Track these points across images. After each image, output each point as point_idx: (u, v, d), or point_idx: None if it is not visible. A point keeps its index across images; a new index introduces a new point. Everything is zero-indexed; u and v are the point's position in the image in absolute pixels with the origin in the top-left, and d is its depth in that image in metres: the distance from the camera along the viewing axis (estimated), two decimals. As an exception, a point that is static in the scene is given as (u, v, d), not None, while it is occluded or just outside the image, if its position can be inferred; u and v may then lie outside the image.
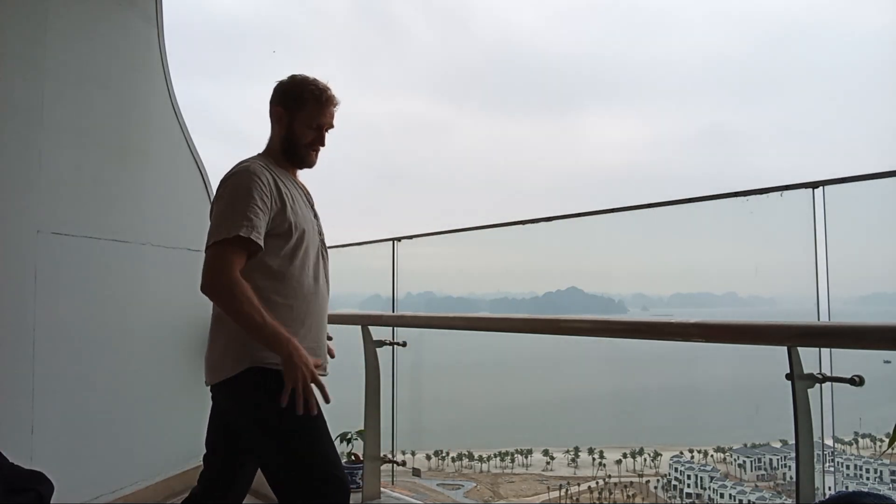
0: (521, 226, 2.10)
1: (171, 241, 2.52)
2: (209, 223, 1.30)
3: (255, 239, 1.22)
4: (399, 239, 2.44)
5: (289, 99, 1.37)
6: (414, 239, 2.45)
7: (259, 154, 1.40)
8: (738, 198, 1.54)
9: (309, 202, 1.44)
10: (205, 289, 1.21)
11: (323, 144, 1.41)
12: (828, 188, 1.36)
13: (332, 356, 1.51)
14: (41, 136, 1.99)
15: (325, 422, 1.31)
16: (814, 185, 1.37)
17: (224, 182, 1.30)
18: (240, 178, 1.27)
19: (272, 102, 1.40)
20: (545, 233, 2.03)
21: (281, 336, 1.19)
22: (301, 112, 1.36)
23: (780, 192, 1.45)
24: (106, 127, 2.26)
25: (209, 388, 1.38)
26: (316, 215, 1.45)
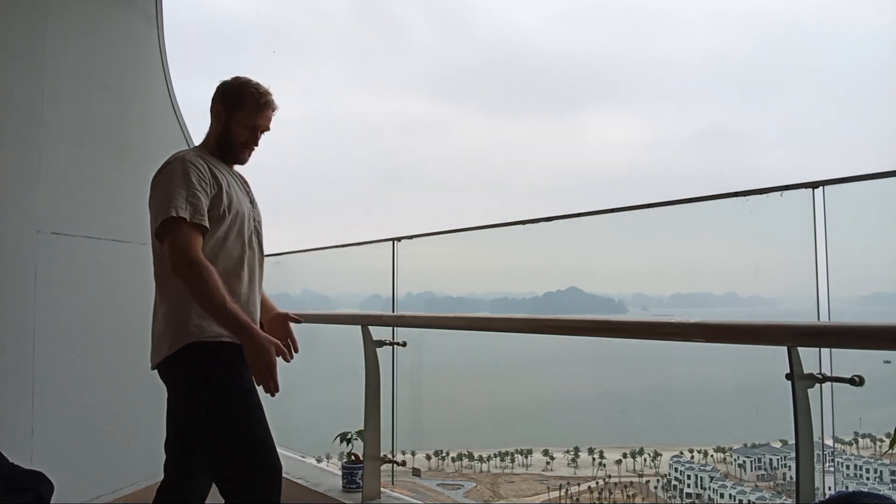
0: (521, 226, 2.10)
1: (171, 241, 2.52)
2: (150, 211, 1.32)
3: (199, 221, 1.25)
4: (399, 239, 2.44)
5: (229, 98, 1.41)
6: (414, 239, 2.45)
7: (194, 147, 1.47)
8: (738, 198, 1.54)
9: (245, 190, 1.48)
10: (174, 269, 1.23)
11: (256, 145, 1.46)
12: (828, 188, 1.36)
13: (296, 350, 1.47)
14: (41, 136, 1.99)
15: (261, 407, 1.31)
16: (814, 185, 1.37)
17: (159, 172, 1.35)
18: (175, 167, 1.31)
19: (213, 100, 1.44)
20: (545, 233, 2.03)
21: (240, 319, 1.22)
22: (239, 112, 1.40)
23: (780, 192, 1.45)
24: (106, 127, 2.27)
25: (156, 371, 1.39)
26: (253, 202, 1.48)
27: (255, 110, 1.40)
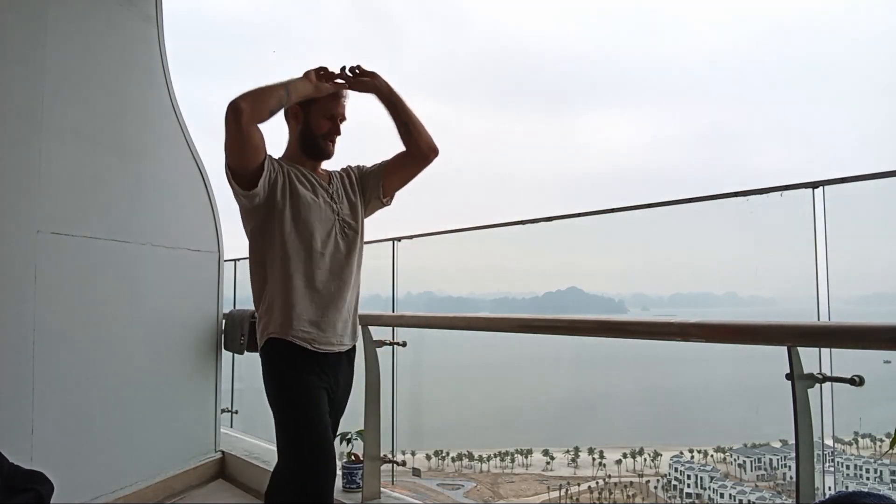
0: (521, 226, 2.10)
1: (171, 241, 2.52)
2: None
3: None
4: (399, 239, 2.44)
5: None
6: (414, 239, 2.45)
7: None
8: (738, 198, 1.54)
9: (327, 187, 1.50)
10: (230, 120, 1.27)
11: (339, 133, 1.51)
12: (828, 188, 1.36)
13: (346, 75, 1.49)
14: (41, 136, 1.99)
15: (316, 405, 1.40)
16: (814, 185, 1.37)
17: None
18: None
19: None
20: (545, 233, 2.03)
21: (287, 81, 1.36)
22: (314, 105, 1.45)
23: (780, 192, 1.45)
24: (106, 127, 2.27)
25: None
26: (340, 199, 1.51)
27: (330, 99, 1.46)
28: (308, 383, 1.39)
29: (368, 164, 1.61)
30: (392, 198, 1.60)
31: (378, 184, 1.56)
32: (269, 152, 1.39)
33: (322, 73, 1.44)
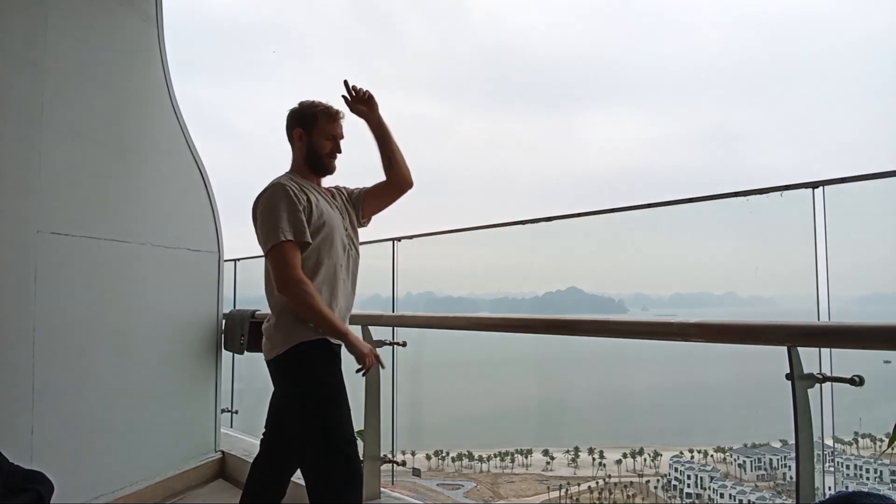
0: (521, 226, 2.10)
1: (171, 241, 2.52)
2: (257, 234, 1.52)
3: (301, 238, 1.47)
4: (399, 239, 2.44)
5: (305, 120, 1.62)
6: (414, 239, 2.45)
7: (286, 172, 1.65)
8: (739, 198, 1.54)
9: (335, 203, 1.66)
10: (280, 289, 1.45)
11: (339, 151, 1.66)
12: (828, 188, 1.36)
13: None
14: (41, 135, 1.99)
15: (348, 405, 1.54)
16: (814, 185, 1.37)
17: (259, 198, 1.53)
18: (274, 191, 1.50)
19: (290, 127, 1.64)
20: (545, 233, 2.03)
21: (339, 329, 1.47)
22: (316, 128, 1.62)
23: (780, 192, 1.45)
24: (106, 127, 2.27)
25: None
26: (343, 210, 1.68)
27: (330, 122, 1.62)
28: (342, 380, 1.54)
29: (350, 187, 1.77)
30: (369, 220, 1.77)
31: (360, 206, 1.73)
32: (284, 185, 1.50)
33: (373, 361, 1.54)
